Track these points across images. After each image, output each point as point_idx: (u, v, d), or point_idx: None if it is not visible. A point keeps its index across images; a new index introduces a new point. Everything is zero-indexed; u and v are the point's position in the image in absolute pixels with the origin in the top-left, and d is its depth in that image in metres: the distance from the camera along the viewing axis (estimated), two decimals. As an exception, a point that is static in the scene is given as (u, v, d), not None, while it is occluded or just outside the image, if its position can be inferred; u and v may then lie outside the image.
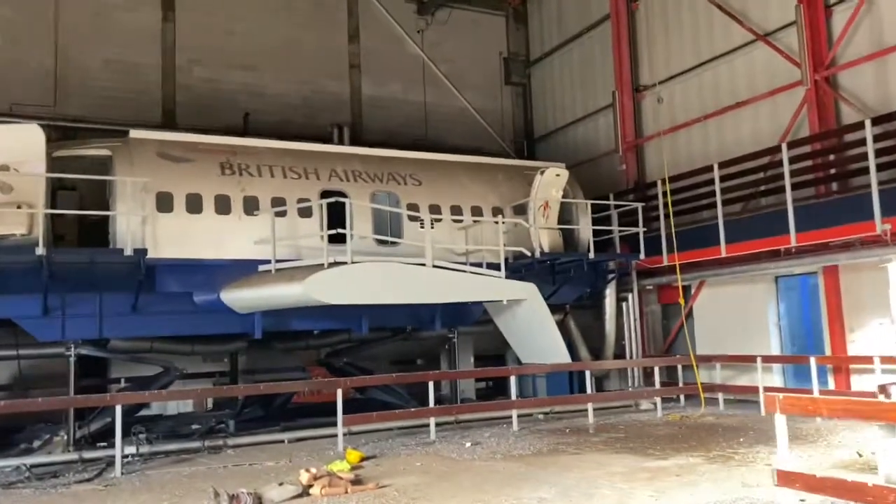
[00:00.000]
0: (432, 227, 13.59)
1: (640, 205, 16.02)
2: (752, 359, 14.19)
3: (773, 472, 6.43)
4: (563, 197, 15.45)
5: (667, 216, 15.54)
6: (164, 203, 12.33)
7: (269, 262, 12.31)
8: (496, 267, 13.45)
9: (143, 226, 11.98)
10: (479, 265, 13.55)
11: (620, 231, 16.21)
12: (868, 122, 12.26)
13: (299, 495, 8.32)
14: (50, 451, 11.51)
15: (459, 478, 9.12)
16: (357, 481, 8.90)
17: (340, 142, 18.04)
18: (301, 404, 15.41)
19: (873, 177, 11.97)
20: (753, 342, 15.00)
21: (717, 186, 14.80)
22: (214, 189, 12.76)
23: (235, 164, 13.20)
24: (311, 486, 8.53)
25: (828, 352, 13.77)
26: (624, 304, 16.60)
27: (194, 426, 13.38)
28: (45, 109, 16.61)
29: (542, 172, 15.00)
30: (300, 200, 13.25)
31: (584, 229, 15.68)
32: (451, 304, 13.79)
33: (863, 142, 12.38)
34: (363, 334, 14.01)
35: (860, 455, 9.20)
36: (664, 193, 15.76)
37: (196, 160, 12.96)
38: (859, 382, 13.17)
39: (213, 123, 17.47)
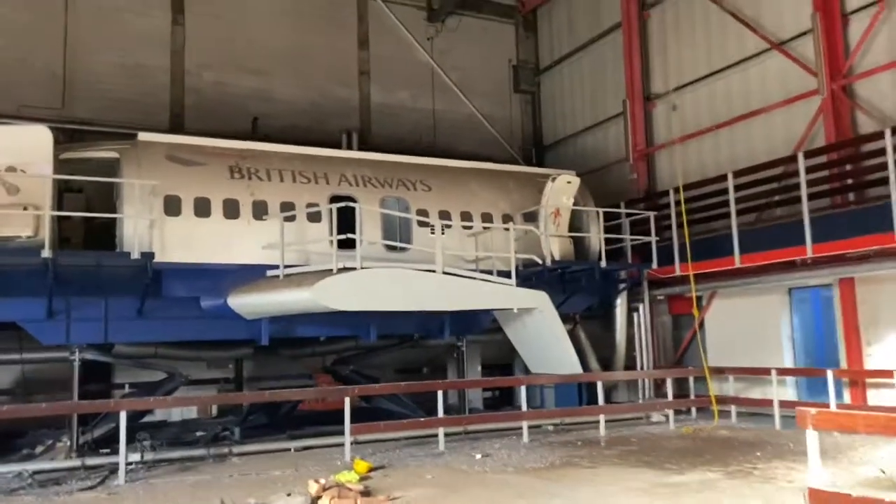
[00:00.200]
0: (443, 234, 13.40)
1: (652, 213, 15.82)
2: (766, 371, 13.96)
3: (805, 492, 6.16)
4: (574, 205, 15.26)
5: (680, 225, 15.33)
6: (172, 206, 12.16)
7: (277, 267, 12.13)
8: (506, 274, 13.25)
9: (151, 229, 11.80)
10: (489, 272, 13.37)
11: (632, 240, 16.00)
12: (888, 132, 12.06)
13: (308, 507, 8.11)
14: (52, 457, 11.30)
15: (472, 491, 8.90)
16: (366, 493, 8.68)
17: (349, 148, 17.95)
18: (306, 412, 15.20)
19: (893, 187, 11.75)
20: (766, 354, 14.76)
21: (732, 196, 14.59)
22: (223, 193, 12.59)
23: (244, 168, 13.04)
24: (319, 497, 8.31)
25: (843, 365, 13.52)
26: (634, 315, 16.37)
27: (199, 433, 13.18)
28: (53, 111, 16.49)
29: (553, 179, 14.84)
30: (309, 205, 13.08)
31: (595, 238, 15.50)
32: (460, 312, 13.57)
33: (881, 152, 12.19)
34: (371, 342, 13.80)
35: (883, 472, 8.96)
36: (677, 202, 15.54)
37: (205, 163, 12.80)
38: (876, 397, 12.93)
39: (222, 127, 17.31)
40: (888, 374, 12.22)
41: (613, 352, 16.31)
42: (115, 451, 10.40)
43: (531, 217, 14.91)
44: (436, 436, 12.28)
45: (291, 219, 12.62)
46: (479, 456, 11.18)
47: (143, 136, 12.98)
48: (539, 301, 13.22)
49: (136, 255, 11.18)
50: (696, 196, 15.80)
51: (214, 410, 15.95)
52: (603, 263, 14.81)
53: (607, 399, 15.69)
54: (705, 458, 10.51)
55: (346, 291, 11.52)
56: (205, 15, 18.64)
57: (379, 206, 13.66)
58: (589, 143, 20.96)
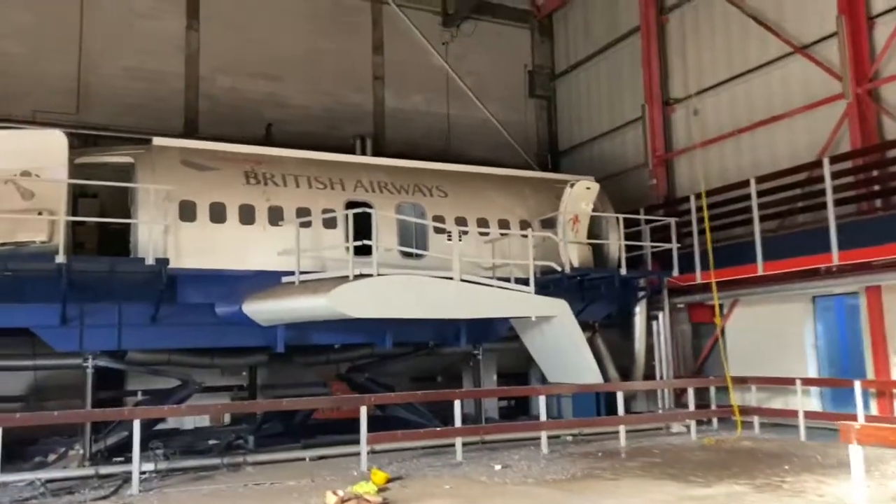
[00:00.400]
0: (460, 240, 13.20)
1: (673, 220, 15.54)
2: (790, 381, 13.63)
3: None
4: (593, 211, 15.03)
5: (702, 232, 15.04)
6: (187, 212, 12.03)
7: (292, 273, 11.97)
8: (524, 282, 13.04)
9: (165, 235, 11.67)
10: (506, 280, 13.15)
11: (653, 247, 15.73)
12: (918, 137, 11.79)
13: (326, 519, 7.91)
14: (65, 465, 11.17)
15: (492, 503, 8.66)
16: (385, 505, 8.47)
17: (363, 153, 17.76)
18: (321, 420, 14.99)
19: (922, 193, 11.47)
20: (788, 364, 14.44)
21: (754, 202, 14.30)
22: (239, 198, 12.45)
23: (260, 174, 12.90)
24: (337, 509, 8.11)
25: (869, 375, 13.20)
26: (654, 323, 16.07)
27: (212, 442, 13.01)
28: (68, 117, 16.45)
29: (571, 185, 14.61)
30: (325, 211, 12.92)
31: (614, 245, 15.25)
32: (477, 320, 13.34)
33: (910, 157, 11.92)
34: (387, 349, 13.60)
35: (919, 487, 8.66)
36: (698, 209, 15.26)
37: (220, 169, 12.67)
38: (905, 408, 12.60)
39: (236, 133, 17.17)
40: (919, 385, 11.89)
41: (632, 361, 16.02)
42: (129, 460, 10.24)
43: (549, 223, 14.68)
44: (452, 445, 12.03)
45: (307, 225, 12.46)
46: (498, 467, 10.93)
47: (157, 140, 12.87)
48: (558, 309, 12.99)
49: (150, 261, 11.05)
50: (718, 202, 15.51)
51: (227, 418, 15.79)
52: (623, 271, 14.54)
53: (626, 409, 15.42)
54: (731, 470, 10.22)
55: (363, 298, 11.34)
56: (219, 20, 18.58)
57: (395, 212, 13.48)
58: (606, 149, 20.72)
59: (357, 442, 11.42)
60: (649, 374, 16.03)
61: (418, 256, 13.31)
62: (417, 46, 20.99)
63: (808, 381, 13.70)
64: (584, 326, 14.41)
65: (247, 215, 12.44)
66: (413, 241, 13.65)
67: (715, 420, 14.85)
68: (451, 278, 12.14)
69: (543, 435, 12.49)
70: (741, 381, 14.54)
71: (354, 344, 14.43)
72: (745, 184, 14.74)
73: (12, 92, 16.21)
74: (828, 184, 13.03)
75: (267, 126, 18.18)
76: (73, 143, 12.10)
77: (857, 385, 12.33)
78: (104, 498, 9.46)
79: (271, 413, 13.60)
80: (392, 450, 12.17)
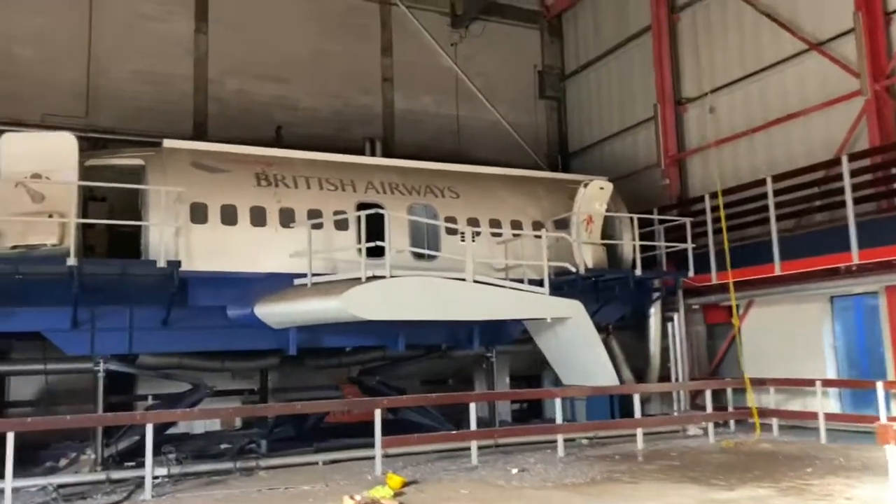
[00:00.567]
0: (473, 241, 13.05)
1: (688, 220, 15.35)
2: (810, 383, 13.42)
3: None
4: (607, 211, 14.86)
5: (719, 231, 14.85)
6: (198, 214, 11.92)
7: (304, 275, 11.84)
8: (537, 283, 12.88)
9: (177, 237, 11.56)
10: (519, 281, 12.99)
11: (667, 247, 15.54)
12: (939, 133, 11.59)
13: (343, 524, 7.76)
14: (77, 470, 11.04)
15: (512, 507, 8.52)
16: (403, 509, 8.32)
17: (372, 155, 17.69)
18: (332, 424, 14.85)
19: (944, 190, 11.27)
20: (805, 365, 14.23)
21: (771, 201, 14.11)
22: (250, 200, 12.34)
23: (271, 175, 12.79)
24: (354, 514, 7.97)
25: (890, 376, 12.97)
26: (669, 325, 15.88)
27: (224, 446, 12.87)
28: (77, 120, 16.37)
29: (585, 185, 14.45)
30: (336, 213, 12.79)
31: (627, 245, 15.07)
32: (491, 322, 13.19)
33: (930, 154, 11.72)
34: (399, 351, 13.44)
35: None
36: (713, 208, 15.07)
37: (231, 171, 12.56)
38: (927, 409, 12.38)
39: (245, 136, 17.05)
40: (941, 385, 11.67)
41: (647, 363, 15.82)
42: (140, 465, 10.12)
43: (562, 224, 14.52)
44: (466, 449, 11.87)
45: (319, 226, 12.33)
46: (515, 470, 10.76)
47: (168, 143, 12.78)
48: (573, 310, 12.82)
49: (162, 264, 10.93)
50: (733, 202, 15.32)
51: (238, 422, 15.66)
52: (638, 271, 14.36)
53: (640, 412, 15.23)
54: (753, 473, 10.02)
55: (376, 300, 11.21)
56: (227, 23, 18.51)
57: (406, 214, 13.35)
58: (617, 150, 20.55)
59: (369, 446, 11.29)
60: (664, 376, 15.84)
61: (430, 258, 13.17)
62: (426, 48, 20.89)
63: (828, 383, 13.49)
64: (599, 328, 14.19)
65: (258, 217, 12.32)
66: (425, 242, 13.52)
67: (732, 422, 14.64)
68: (464, 279, 12.00)
69: (560, 438, 12.31)
70: (759, 383, 14.32)
71: (366, 347, 14.29)
72: (761, 182, 14.57)
73: (21, 96, 16.19)
74: (847, 182, 12.84)
75: (277, 129, 18.09)
76: (82, 146, 12.00)
77: (880, 386, 12.10)
78: (117, 503, 9.34)
79: (283, 417, 13.47)
80: (405, 453, 12.01)
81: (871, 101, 13.50)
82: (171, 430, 14.00)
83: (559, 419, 12.69)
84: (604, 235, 14.97)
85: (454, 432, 12.33)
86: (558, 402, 12.70)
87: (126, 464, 11.25)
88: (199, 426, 15.25)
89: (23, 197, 10.59)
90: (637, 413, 13.32)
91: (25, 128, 14.93)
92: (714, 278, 15.04)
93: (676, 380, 15.61)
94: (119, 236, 12.88)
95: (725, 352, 16.18)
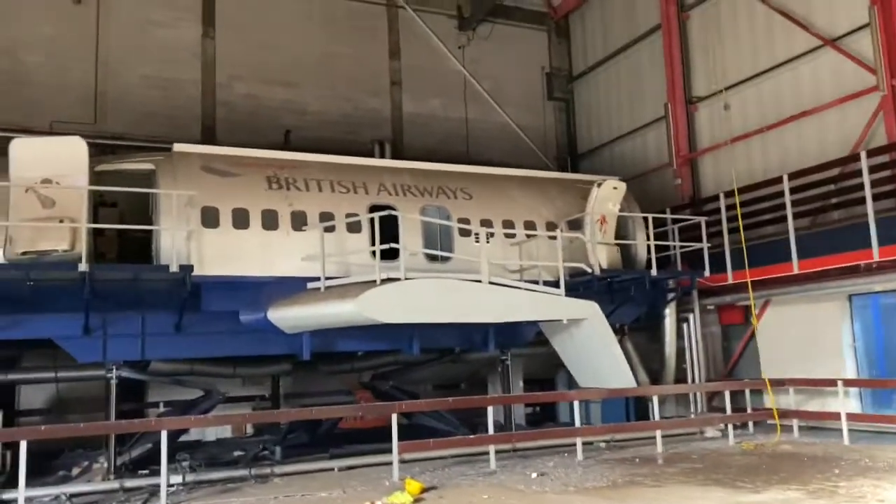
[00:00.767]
0: (487, 242, 12.90)
1: (703, 219, 15.18)
2: (831, 383, 13.20)
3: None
4: (620, 211, 14.70)
5: (734, 231, 14.66)
6: (210, 218, 11.79)
7: (317, 279, 11.69)
8: (552, 284, 12.72)
9: (188, 242, 11.43)
10: (534, 282, 12.83)
11: (682, 247, 15.36)
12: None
13: (365, 531, 7.59)
14: (89, 479, 10.89)
15: (535, 512, 8.33)
16: (424, 515, 8.14)
17: (381, 158, 17.53)
18: (346, 430, 14.69)
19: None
20: (824, 365, 14.02)
21: (788, 199, 13.94)
22: (261, 204, 12.21)
23: (282, 179, 12.66)
24: (375, 520, 7.80)
25: (911, 375, 12.79)
26: (684, 325, 15.68)
27: (237, 453, 12.73)
28: (86, 126, 16.22)
29: (598, 185, 14.30)
30: (348, 215, 12.66)
31: (641, 245, 14.91)
32: (506, 324, 13.03)
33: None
34: (414, 355, 13.28)
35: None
36: (729, 207, 14.88)
37: (242, 174, 12.44)
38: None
39: (254, 140, 16.99)
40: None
41: (662, 365, 15.63)
42: (154, 473, 9.98)
43: (576, 224, 14.36)
44: (482, 454, 11.71)
45: (331, 229, 12.19)
46: (534, 475, 10.57)
47: (178, 147, 12.66)
48: (589, 311, 12.65)
49: (174, 268, 10.79)
50: (747, 200, 15.13)
51: (250, 429, 15.51)
52: (653, 272, 14.18)
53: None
54: (779, 475, 9.82)
55: (392, 303, 11.06)
56: (235, 27, 18.44)
57: (419, 215, 13.20)
58: (627, 150, 20.39)
59: (384, 451, 11.13)
60: (679, 378, 15.64)
61: (444, 260, 13.02)
62: (434, 50, 20.79)
63: (850, 383, 13.28)
64: (613, 329, 14.02)
65: (270, 221, 12.19)
66: (438, 244, 13.38)
67: (751, 424, 14.44)
68: (479, 281, 11.84)
69: (579, 441, 12.13)
70: (778, 384, 14.12)
71: (378, 351, 14.15)
72: (777, 181, 14.39)
73: (30, 102, 16.13)
74: (866, 178, 12.66)
75: (286, 132, 18.00)
76: (91, 152, 11.91)
77: (903, 385, 11.91)
78: (132, 512, 9.23)
79: (296, 423, 13.31)
80: (422, 459, 11.85)
81: (888, 97, 13.31)
82: (184, 438, 13.88)
83: (578, 422, 12.50)
84: (617, 236, 14.80)
85: (473, 437, 12.17)
86: (577, 404, 12.53)
87: (139, 472, 11.11)
88: (211, 433, 15.13)
89: (33, 202, 10.48)
90: (656, 415, 13.14)
91: (34, 134, 14.83)
92: (730, 278, 14.85)
93: (693, 381, 15.41)
94: (129, 242, 12.77)
95: (741, 352, 15.97)
